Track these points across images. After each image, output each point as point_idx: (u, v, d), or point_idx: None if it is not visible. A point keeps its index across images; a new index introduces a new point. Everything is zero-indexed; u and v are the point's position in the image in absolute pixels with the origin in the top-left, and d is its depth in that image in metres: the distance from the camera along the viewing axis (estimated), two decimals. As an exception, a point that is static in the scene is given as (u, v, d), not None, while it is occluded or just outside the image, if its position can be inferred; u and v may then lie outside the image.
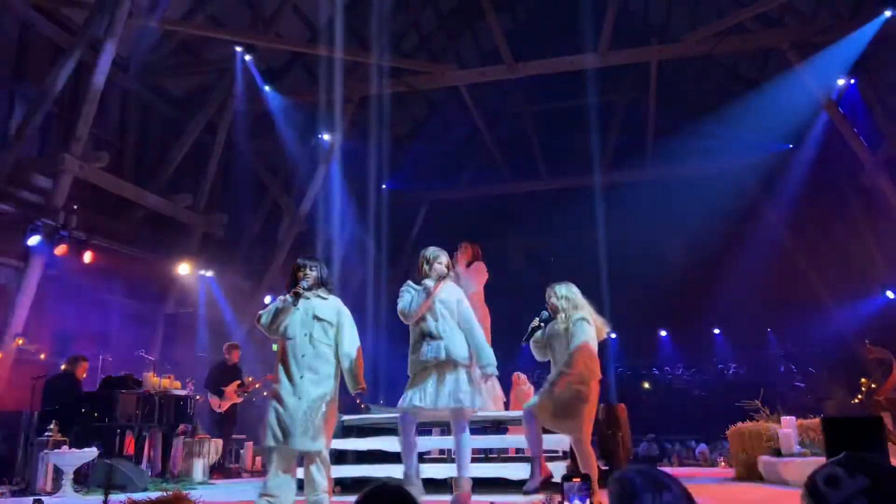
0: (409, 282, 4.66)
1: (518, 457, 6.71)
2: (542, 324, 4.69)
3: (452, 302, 4.58)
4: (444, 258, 4.69)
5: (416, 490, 4.30)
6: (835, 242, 15.83)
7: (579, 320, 4.62)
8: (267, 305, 4.44)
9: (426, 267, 4.66)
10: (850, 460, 1.49)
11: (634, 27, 15.73)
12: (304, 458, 4.08)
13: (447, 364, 4.40)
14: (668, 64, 13.83)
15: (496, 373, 4.61)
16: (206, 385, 9.09)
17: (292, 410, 3.99)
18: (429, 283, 4.53)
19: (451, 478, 4.45)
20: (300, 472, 4.16)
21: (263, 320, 4.23)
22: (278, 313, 4.17)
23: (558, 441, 5.14)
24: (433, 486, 4.94)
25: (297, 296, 4.17)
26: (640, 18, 16.55)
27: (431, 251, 4.74)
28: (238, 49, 12.15)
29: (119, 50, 10.50)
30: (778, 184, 16.55)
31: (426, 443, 6.11)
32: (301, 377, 4.07)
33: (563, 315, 4.67)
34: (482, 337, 4.61)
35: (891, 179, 12.31)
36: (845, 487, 1.44)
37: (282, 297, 4.23)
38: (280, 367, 4.14)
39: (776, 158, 16.24)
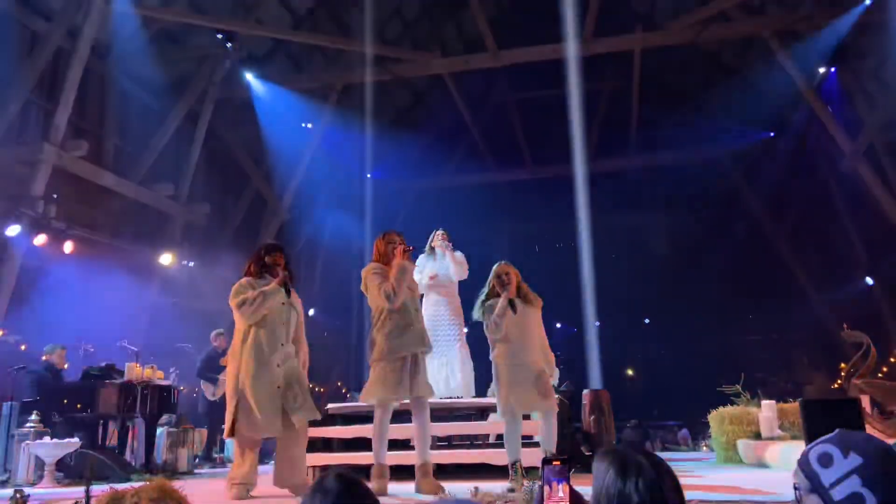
0: (376, 263, 4.62)
1: (500, 443, 6.75)
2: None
3: (422, 287, 4.69)
4: (396, 238, 4.76)
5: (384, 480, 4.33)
6: (815, 229, 16.01)
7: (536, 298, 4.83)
8: (234, 287, 4.30)
9: (387, 248, 4.67)
10: (844, 438, 1.47)
11: (619, 15, 15.72)
12: (277, 441, 4.08)
13: (420, 352, 4.49)
14: (652, 53, 13.86)
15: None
16: (198, 373, 9.10)
17: (271, 398, 3.97)
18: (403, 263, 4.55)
19: (419, 464, 4.51)
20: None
21: (249, 306, 4.13)
22: (266, 300, 4.12)
23: (531, 427, 5.20)
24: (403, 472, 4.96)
25: (287, 287, 4.16)
26: (624, 6, 16.54)
27: (386, 233, 4.79)
28: (219, 36, 12.01)
29: (98, 37, 10.35)
30: (759, 171, 16.70)
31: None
32: (278, 365, 4.05)
33: (530, 294, 4.84)
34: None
35: (871, 167, 12.46)
36: (838, 466, 1.43)
37: (264, 284, 4.18)
38: (254, 355, 4.05)
39: (758, 146, 16.38)
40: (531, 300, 4.82)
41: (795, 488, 1.50)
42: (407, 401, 4.56)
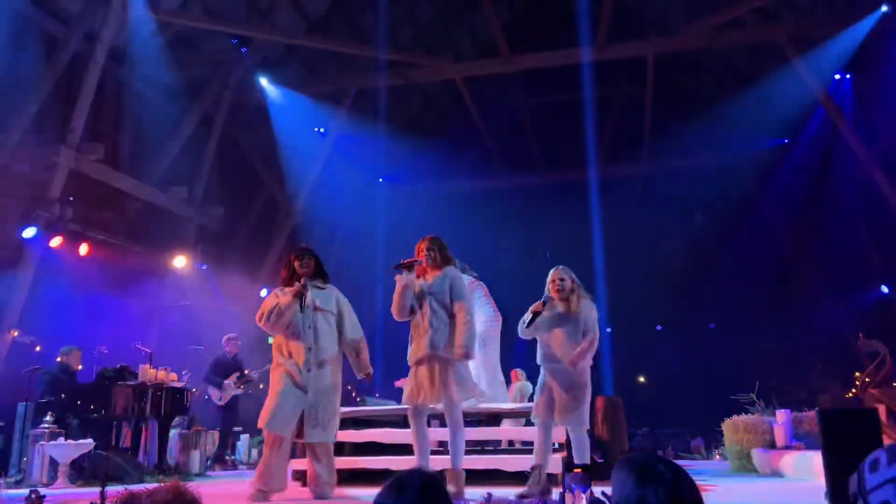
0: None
1: (513, 449, 6.74)
2: (544, 305, 4.65)
3: (444, 293, 4.52)
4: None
5: None
6: (830, 236, 15.88)
7: (594, 306, 4.67)
8: (264, 299, 4.37)
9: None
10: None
11: (632, 20, 15.70)
12: (306, 450, 4.09)
13: (434, 358, 4.41)
14: (666, 58, 13.82)
15: (470, 357, 4.52)
16: (205, 378, 9.10)
17: (298, 402, 3.98)
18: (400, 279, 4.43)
19: (446, 469, 4.46)
20: (297, 464, 4.17)
21: (266, 321, 4.18)
22: (282, 314, 4.13)
23: (559, 434, 5.15)
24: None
25: (302, 299, 4.15)
26: (637, 12, 16.52)
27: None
28: (234, 41, 12.10)
29: (115, 41, 10.44)
30: (774, 178, 16.59)
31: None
32: (308, 371, 4.06)
33: (574, 297, 4.65)
34: (467, 321, 4.47)
35: (886, 174, 12.34)
36: (882, 472, 1.42)
37: (281, 296, 4.18)
38: (283, 361, 4.10)
39: (772, 153, 16.27)
40: (572, 308, 4.61)
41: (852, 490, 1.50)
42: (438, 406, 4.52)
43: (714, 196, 17.21)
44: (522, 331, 4.61)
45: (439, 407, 4.50)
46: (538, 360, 4.72)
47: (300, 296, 4.16)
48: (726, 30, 12.47)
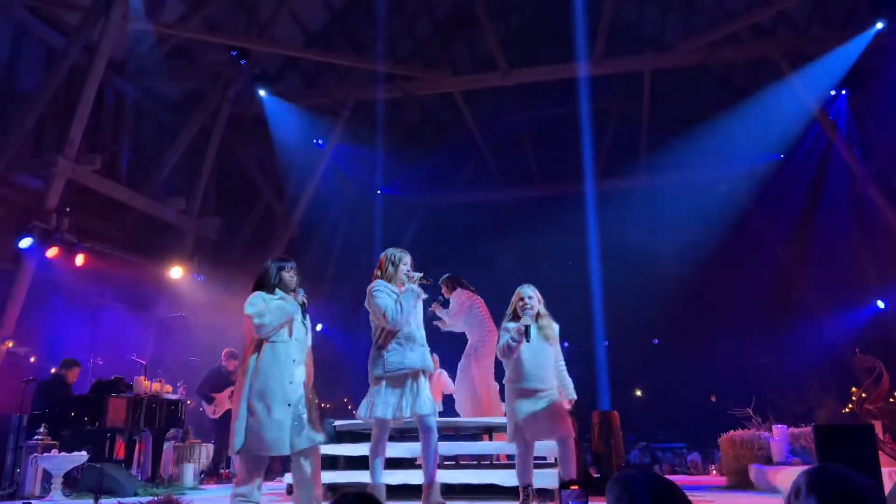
0: (381, 281, 4.57)
1: (508, 464, 6.71)
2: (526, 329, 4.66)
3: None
4: (407, 259, 4.70)
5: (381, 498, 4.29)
6: (826, 251, 15.91)
7: (555, 325, 4.76)
8: (249, 300, 4.22)
9: (391, 269, 4.64)
10: (816, 475, 1.45)
11: (629, 36, 15.80)
12: (291, 460, 4.04)
13: (422, 371, 4.45)
14: (662, 73, 13.91)
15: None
16: (197, 391, 9.04)
17: (283, 417, 3.93)
18: (414, 286, 4.51)
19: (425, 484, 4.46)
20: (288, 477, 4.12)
21: (269, 319, 4.02)
22: (285, 316, 4.07)
23: (552, 448, 5.13)
24: (409, 492, 4.93)
25: (304, 307, 4.14)
26: (634, 27, 16.63)
27: (394, 252, 4.73)
28: (233, 53, 12.14)
29: (114, 52, 10.48)
30: (770, 193, 16.65)
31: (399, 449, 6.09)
32: (291, 382, 4.01)
33: (545, 318, 4.71)
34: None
35: (881, 190, 12.40)
36: (801, 501, 1.42)
37: (276, 299, 4.14)
38: (265, 372, 3.98)
39: (768, 168, 16.34)
40: (547, 334, 4.70)
41: None
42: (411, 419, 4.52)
43: (710, 210, 17.26)
44: (507, 352, 4.61)
45: (412, 420, 4.53)
46: (509, 381, 4.71)
47: (303, 305, 4.16)
48: (722, 46, 12.56)
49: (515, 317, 4.66)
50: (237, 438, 3.89)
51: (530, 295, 4.72)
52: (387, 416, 4.37)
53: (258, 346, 4.04)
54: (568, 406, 4.66)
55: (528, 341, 4.55)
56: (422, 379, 4.47)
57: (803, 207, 15.86)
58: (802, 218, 16.19)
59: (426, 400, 4.42)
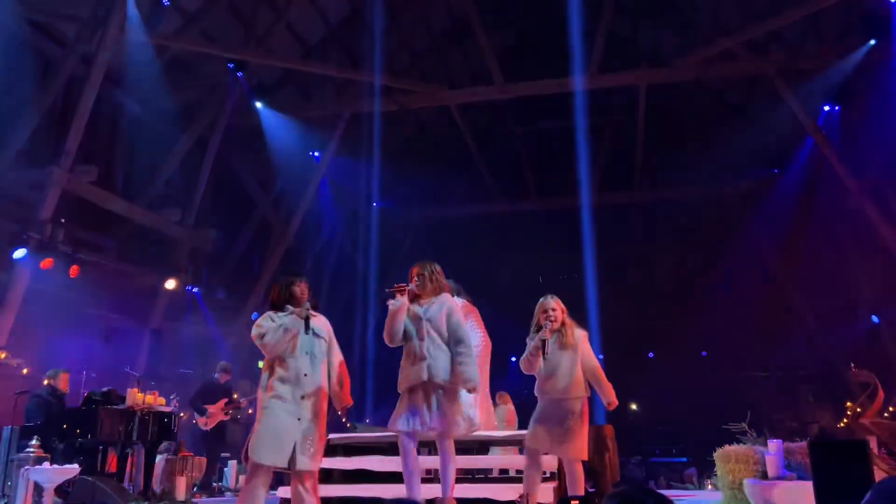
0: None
1: (505, 477, 6.67)
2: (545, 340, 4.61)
3: (440, 320, 4.47)
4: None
5: None
6: (820, 266, 15.97)
7: (585, 336, 4.66)
8: (255, 321, 4.27)
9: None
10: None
11: (625, 51, 15.92)
12: (291, 478, 4.03)
13: (431, 384, 4.38)
14: (658, 88, 14.00)
15: (477, 391, 4.62)
16: (190, 403, 9.00)
17: (292, 431, 3.92)
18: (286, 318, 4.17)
19: (437, 498, 4.41)
20: (283, 492, 4.11)
21: (269, 339, 4.03)
22: (286, 334, 4.06)
23: (548, 461, 5.10)
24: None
25: (307, 321, 4.12)
26: (629, 43, 16.76)
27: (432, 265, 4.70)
28: (230, 65, 12.18)
29: (111, 64, 10.49)
30: (764, 208, 16.73)
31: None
32: (302, 397, 4.01)
33: (568, 328, 4.63)
34: (471, 353, 4.46)
35: (876, 205, 12.46)
36: None
37: (284, 317, 4.12)
38: (277, 386, 4.01)
39: (763, 183, 16.43)
40: (563, 342, 4.59)
41: None
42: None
43: (705, 225, 17.33)
44: (528, 366, 4.57)
45: (431, 434, 4.46)
46: (536, 391, 4.69)
47: (306, 318, 4.13)
48: (717, 62, 12.67)
49: (539, 328, 4.62)
50: (249, 448, 3.98)
51: (553, 307, 4.66)
52: (401, 430, 4.37)
53: (271, 364, 4.11)
54: (610, 408, 4.61)
55: (545, 357, 4.49)
56: (437, 394, 4.37)
57: (797, 222, 15.93)
58: (797, 233, 16.25)
59: (434, 414, 4.37)
